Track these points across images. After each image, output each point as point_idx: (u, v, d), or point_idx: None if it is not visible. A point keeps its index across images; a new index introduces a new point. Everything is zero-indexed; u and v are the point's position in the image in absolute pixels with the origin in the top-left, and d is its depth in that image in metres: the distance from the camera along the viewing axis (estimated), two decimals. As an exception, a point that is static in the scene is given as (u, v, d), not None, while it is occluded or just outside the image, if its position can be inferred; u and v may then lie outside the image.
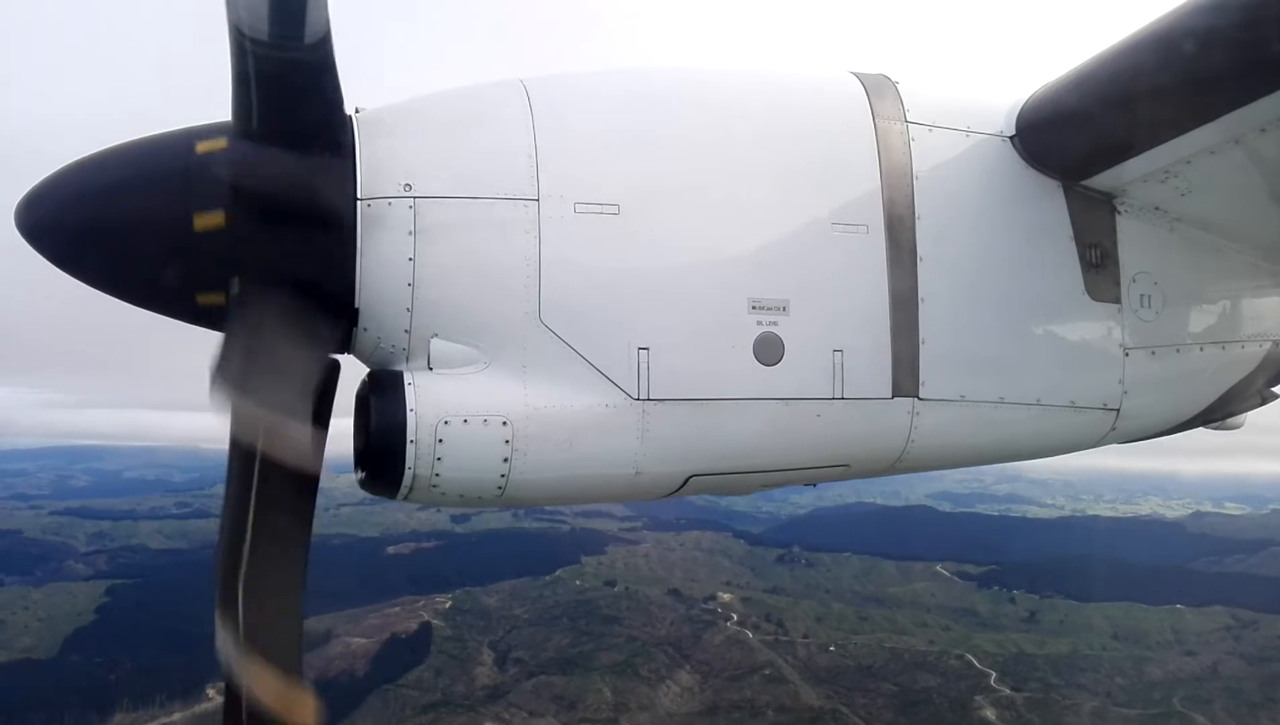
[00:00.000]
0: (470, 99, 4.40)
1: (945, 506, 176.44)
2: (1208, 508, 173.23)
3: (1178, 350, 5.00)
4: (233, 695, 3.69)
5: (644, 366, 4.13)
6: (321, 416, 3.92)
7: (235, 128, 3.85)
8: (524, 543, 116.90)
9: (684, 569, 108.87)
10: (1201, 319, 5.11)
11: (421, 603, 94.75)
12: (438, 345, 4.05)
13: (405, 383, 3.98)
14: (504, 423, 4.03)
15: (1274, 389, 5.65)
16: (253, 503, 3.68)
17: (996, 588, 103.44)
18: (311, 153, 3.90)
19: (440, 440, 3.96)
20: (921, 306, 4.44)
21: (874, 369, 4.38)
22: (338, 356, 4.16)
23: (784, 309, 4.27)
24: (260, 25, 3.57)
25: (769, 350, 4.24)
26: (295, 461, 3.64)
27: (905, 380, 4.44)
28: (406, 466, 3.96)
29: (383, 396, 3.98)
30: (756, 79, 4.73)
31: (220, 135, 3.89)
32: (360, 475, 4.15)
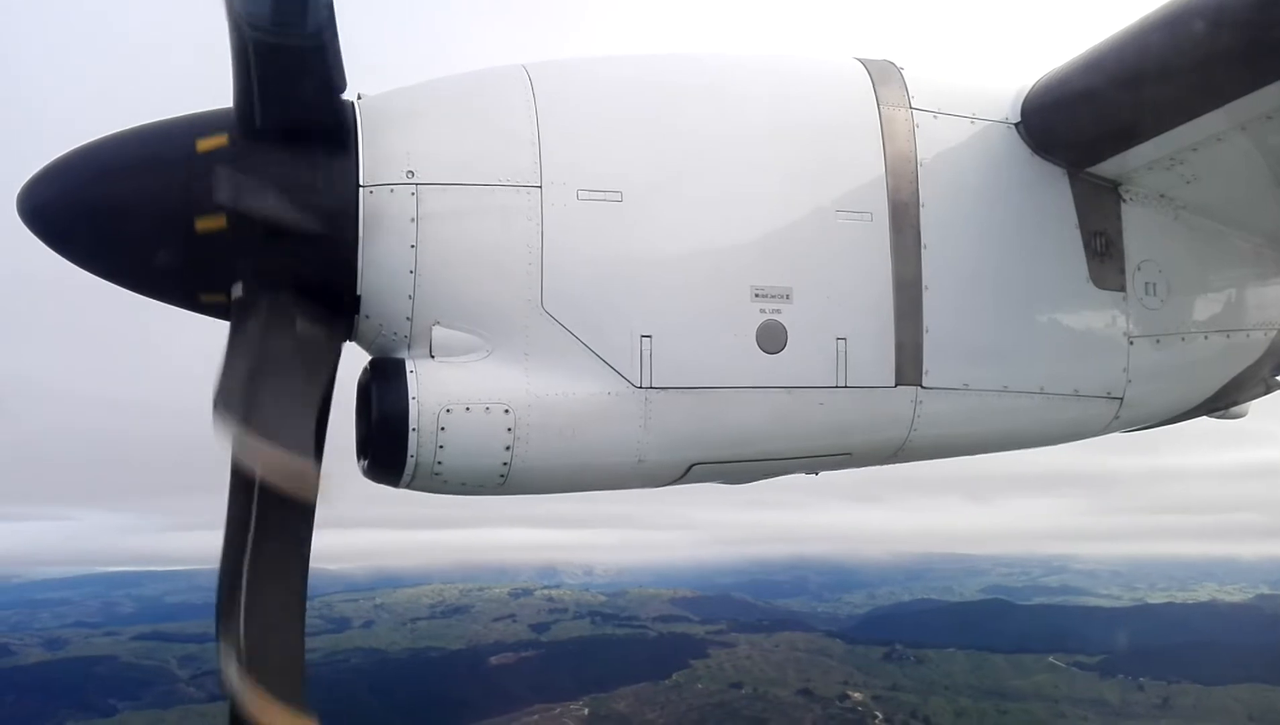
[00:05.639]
0: (473, 85, 4.38)
1: (1004, 598, 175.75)
2: (1265, 590, 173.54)
3: (1182, 338, 4.93)
4: (237, 718, 3.63)
5: (646, 354, 4.10)
6: (322, 408, 3.96)
7: (236, 120, 3.86)
8: (620, 648, 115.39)
9: (795, 670, 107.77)
10: (1206, 307, 5.06)
11: (558, 710, 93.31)
12: (440, 333, 4.02)
13: (407, 370, 3.98)
14: (506, 411, 4.01)
15: (1279, 378, 5.60)
16: (252, 529, 3.63)
17: (1121, 676, 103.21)
18: (313, 142, 3.91)
19: (442, 428, 3.94)
20: (925, 294, 4.41)
21: (877, 357, 4.36)
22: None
23: (787, 297, 4.23)
24: (261, 10, 3.55)
25: (772, 338, 4.21)
26: (295, 492, 3.62)
27: (908, 369, 4.40)
28: (409, 454, 3.95)
29: (385, 384, 3.99)
30: (760, 65, 4.74)
31: (221, 130, 3.89)
32: (363, 463, 4.14)
